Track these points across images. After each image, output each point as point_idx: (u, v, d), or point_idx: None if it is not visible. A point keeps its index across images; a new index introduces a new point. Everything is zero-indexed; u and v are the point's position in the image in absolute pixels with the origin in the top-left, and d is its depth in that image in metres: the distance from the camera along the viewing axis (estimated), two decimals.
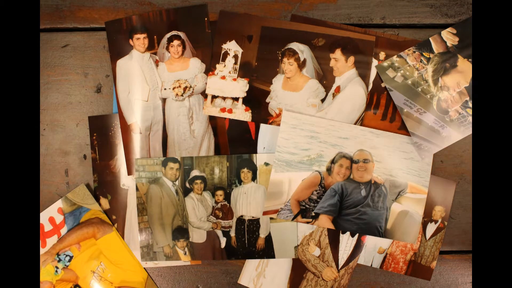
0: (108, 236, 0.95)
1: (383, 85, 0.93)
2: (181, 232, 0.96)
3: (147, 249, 0.96)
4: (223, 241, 0.97)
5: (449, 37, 0.93)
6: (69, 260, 0.94)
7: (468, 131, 0.93)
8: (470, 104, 0.92)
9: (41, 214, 0.94)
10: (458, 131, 0.93)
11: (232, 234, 0.97)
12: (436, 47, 0.93)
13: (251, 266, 0.97)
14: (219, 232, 0.97)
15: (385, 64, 0.93)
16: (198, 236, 0.96)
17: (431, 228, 0.96)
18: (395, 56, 0.93)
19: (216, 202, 0.96)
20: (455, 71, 0.93)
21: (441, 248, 0.97)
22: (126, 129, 0.95)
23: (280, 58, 0.95)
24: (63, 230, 0.95)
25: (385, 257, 0.97)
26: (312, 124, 0.94)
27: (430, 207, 0.96)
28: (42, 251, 0.94)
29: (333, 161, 0.94)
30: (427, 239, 0.96)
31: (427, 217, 0.96)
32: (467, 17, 0.95)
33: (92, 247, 0.95)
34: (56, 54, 0.97)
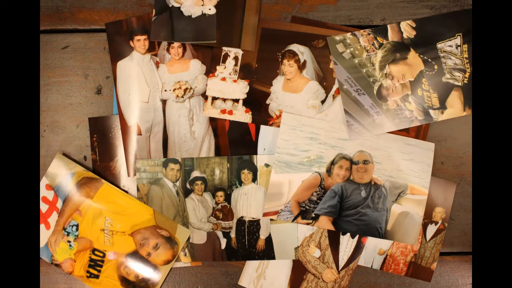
0: (101, 190, 0.94)
1: (330, 57, 0.93)
2: None
3: None
4: (223, 242, 0.97)
5: (407, 29, 0.93)
6: (77, 229, 0.94)
7: (403, 124, 0.93)
8: (410, 99, 0.93)
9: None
10: (392, 122, 0.93)
11: (233, 235, 0.97)
12: (391, 35, 0.93)
13: (251, 268, 0.97)
14: (220, 233, 0.97)
15: (337, 38, 0.93)
16: (198, 237, 0.96)
17: (431, 229, 0.96)
18: (349, 33, 0.93)
19: (217, 203, 0.96)
20: (403, 63, 0.93)
21: (441, 249, 0.97)
22: (126, 131, 0.95)
23: (280, 59, 0.95)
24: (59, 204, 0.94)
25: (385, 259, 0.97)
26: (312, 125, 0.94)
27: (431, 208, 0.96)
28: (48, 233, 0.94)
29: (333, 162, 0.94)
30: (428, 240, 0.97)
31: (428, 219, 0.96)
32: (431, 15, 0.95)
33: (91, 207, 0.94)
34: (56, 55, 0.97)
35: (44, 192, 0.94)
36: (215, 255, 0.97)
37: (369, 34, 0.92)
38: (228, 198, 0.96)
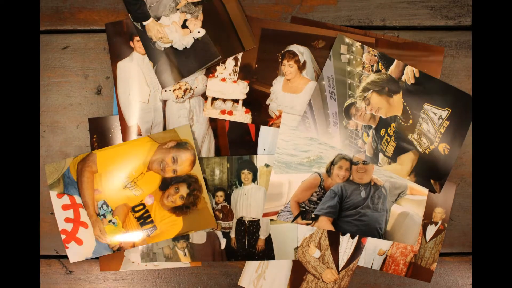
0: (98, 159, 0.93)
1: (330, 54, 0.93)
2: None
3: (147, 249, 0.96)
4: (223, 242, 0.97)
5: (409, 74, 0.92)
6: (107, 205, 0.93)
7: (349, 149, 0.92)
8: (370, 133, 0.92)
9: (57, 214, 0.94)
10: (342, 140, 0.92)
11: (232, 235, 0.97)
12: (393, 69, 0.93)
13: (251, 268, 0.97)
14: (219, 233, 0.97)
15: (346, 40, 0.92)
16: (198, 237, 0.96)
17: (431, 230, 0.96)
18: (359, 43, 0.93)
19: (217, 203, 0.96)
20: (385, 99, 0.92)
21: (441, 250, 0.97)
22: (126, 131, 0.95)
23: (280, 60, 0.95)
24: (78, 200, 0.94)
25: (385, 259, 0.97)
26: None
27: (430, 209, 0.96)
28: (90, 230, 0.94)
29: (332, 163, 0.94)
30: (427, 241, 0.97)
31: (427, 219, 0.96)
32: (431, 15, 0.95)
33: (103, 178, 0.94)
34: (56, 55, 0.97)
35: (59, 202, 0.94)
36: (215, 255, 0.97)
37: (375, 55, 0.92)
38: (228, 198, 0.96)
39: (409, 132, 0.92)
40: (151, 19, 0.92)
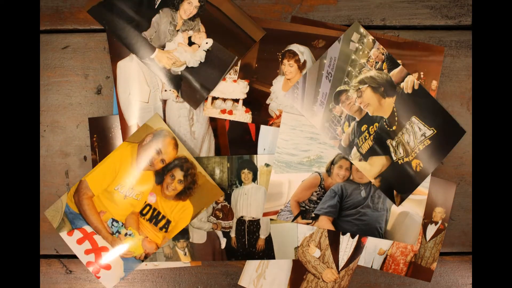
0: (90, 184, 0.93)
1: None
2: (181, 232, 0.96)
3: None
4: (223, 242, 0.97)
5: (409, 84, 0.91)
6: (117, 221, 0.93)
7: (326, 132, 0.92)
8: (352, 125, 0.91)
9: (75, 251, 0.94)
10: (322, 122, 0.92)
11: (232, 234, 0.97)
12: (395, 73, 0.92)
13: (251, 267, 0.97)
14: (219, 233, 0.97)
15: (361, 30, 0.92)
16: (198, 236, 0.96)
17: (431, 229, 0.97)
18: (372, 37, 0.92)
19: (217, 203, 0.96)
20: (378, 98, 0.92)
21: (441, 249, 0.97)
22: (126, 131, 0.95)
23: (280, 59, 0.95)
24: (88, 229, 0.94)
25: (385, 259, 0.97)
26: (312, 125, 0.94)
27: (431, 208, 0.96)
28: (114, 252, 0.94)
29: (332, 162, 0.94)
30: (428, 240, 0.97)
31: (428, 219, 0.96)
32: (431, 15, 0.95)
33: (102, 200, 0.94)
34: (56, 55, 0.97)
35: (72, 240, 0.94)
36: (215, 254, 0.97)
37: (383, 54, 0.92)
38: (228, 198, 0.96)
39: (389, 137, 0.92)
40: (157, 50, 0.92)
